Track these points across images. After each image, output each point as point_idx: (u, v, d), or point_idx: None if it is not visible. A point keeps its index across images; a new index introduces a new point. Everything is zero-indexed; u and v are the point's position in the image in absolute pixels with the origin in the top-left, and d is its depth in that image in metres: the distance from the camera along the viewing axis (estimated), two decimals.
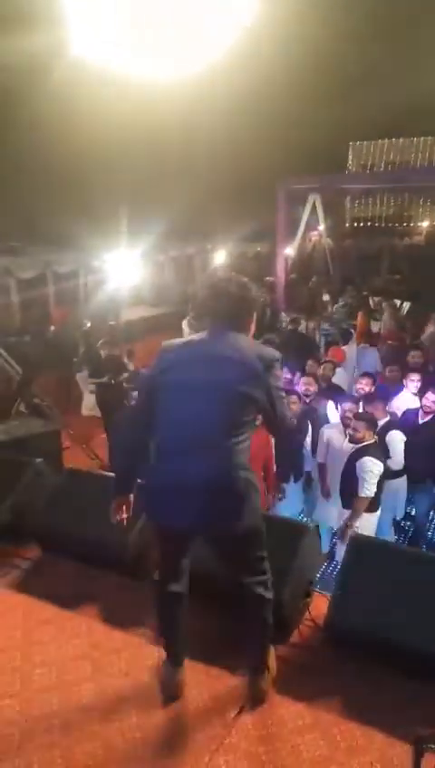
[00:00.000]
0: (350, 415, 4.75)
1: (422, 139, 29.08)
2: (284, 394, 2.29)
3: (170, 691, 2.41)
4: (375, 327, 10.71)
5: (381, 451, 4.36)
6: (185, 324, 11.51)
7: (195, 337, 2.35)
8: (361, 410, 5.10)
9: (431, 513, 5.95)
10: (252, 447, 4.69)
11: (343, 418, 4.92)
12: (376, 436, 4.40)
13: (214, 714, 2.37)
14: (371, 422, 4.36)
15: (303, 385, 5.93)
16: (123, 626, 2.78)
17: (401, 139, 29.36)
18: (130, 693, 2.44)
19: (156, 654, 2.62)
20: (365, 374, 6.34)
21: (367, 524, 4.22)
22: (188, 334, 10.98)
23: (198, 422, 2.13)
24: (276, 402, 2.22)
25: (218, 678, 2.51)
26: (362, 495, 4.17)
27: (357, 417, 4.46)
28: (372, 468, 4.11)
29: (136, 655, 2.62)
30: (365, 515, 4.23)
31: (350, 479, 4.25)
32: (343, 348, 8.35)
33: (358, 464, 4.19)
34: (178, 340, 2.38)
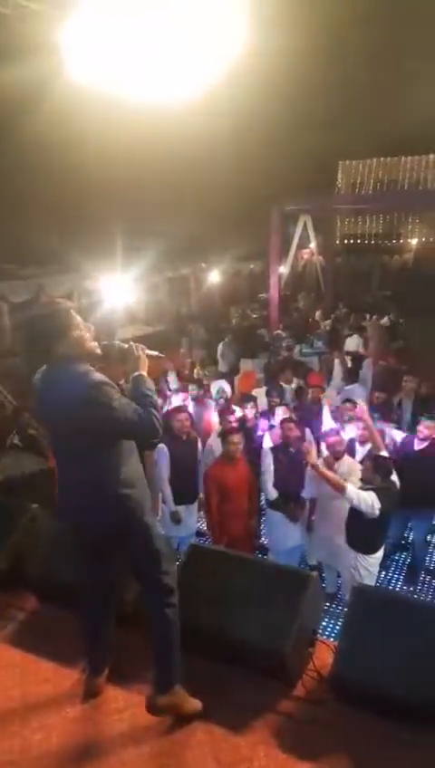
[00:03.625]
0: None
1: (409, 158, 29.39)
2: (121, 401, 2.27)
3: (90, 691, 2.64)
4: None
5: (390, 496, 4.24)
6: (220, 347, 11.15)
7: (36, 379, 2.40)
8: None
9: (429, 539, 5.96)
10: (235, 481, 4.73)
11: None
12: (385, 481, 4.29)
13: None
14: (378, 465, 4.28)
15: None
16: (125, 683, 2.71)
17: (388, 159, 29.64)
18: (132, 757, 2.38)
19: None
20: (348, 400, 6.39)
21: (369, 566, 4.18)
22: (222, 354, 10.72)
23: (69, 462, 2.41)
24: (119, 416, 2.23)
25: (224, 739, 2.45)
26: (347, 491, 4.09)
27: (370, 458, 4.45)
28: (371, 503, 4.04)
29: (137, 714, 2.56)
30: (368, 557, 4.18)
31: (356, 518, 4.19)
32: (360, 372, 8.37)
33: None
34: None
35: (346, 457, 5.00)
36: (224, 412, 5.96)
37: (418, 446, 5.43)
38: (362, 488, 4.15)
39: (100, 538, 2.48)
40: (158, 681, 2.45)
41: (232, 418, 5.81)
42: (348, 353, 9.08)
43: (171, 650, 2.46)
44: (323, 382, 8.09)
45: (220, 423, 5.80)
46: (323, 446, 5.21)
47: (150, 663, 2.48)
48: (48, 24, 5.35)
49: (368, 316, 14.18)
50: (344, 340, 11.10)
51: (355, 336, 10.62)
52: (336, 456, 4.93)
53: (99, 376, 2.28)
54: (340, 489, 4.12)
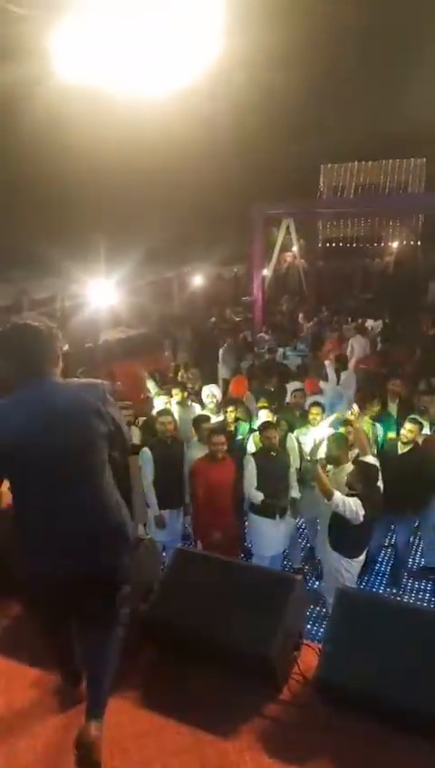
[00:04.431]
0: None
1: (390, 161, 29.82)
2: (121, 414, 2.27)
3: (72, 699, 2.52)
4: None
5: (374, 503, 4.28)
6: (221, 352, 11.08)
7: (21, 396, 2.11)
8: None
9: (410, 541, 6.03)
10: (219, 480, 4.72)
11: None
12: (369, 487, 4.31)
13: None
14: (363, 471, 4.31)
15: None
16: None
17: (369, 162, 30.03)
18: (118, 764, 2.37)
19: (143, 718, 2.57)
20: (315, 403, 6.35)
21: (350, 569, 4.21)
22: (223, 360, 10.54)
23: (65, 493, 2.09)
24: (122, 427, 2.23)
25: (211, 745, 2.45)
26: (334, 498, 4.10)
27: (356, 464, 4.47)
28: (356, 510, 4.07)
29: (122, 721, 2.55)
30: (351, 561, 4.22)
31: (339, 522, 4.22)
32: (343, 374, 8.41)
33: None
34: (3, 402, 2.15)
35: (347, 465, 5.02)
36: (199, 420, 5.85)
37: (401, 449, 5.47)
38: (347, 494, 4.18)
39: (85, 580, 2.24)
40: (97, 706, 2.26)
41: (206, 426, 5.71)
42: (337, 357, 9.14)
43: (113, 672, 2.34)
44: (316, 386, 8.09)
45: (195, 431, 5.74)
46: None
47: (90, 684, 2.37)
48: (36, 27, 5.34)
49: (349, 319, 14.32)
50: (325, 342, 11.20)
51: (359, 336, 10.72)
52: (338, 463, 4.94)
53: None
54: (327, 495, 4.15)
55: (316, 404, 6.16)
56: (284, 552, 5.54)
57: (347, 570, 4.30)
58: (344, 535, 4.29)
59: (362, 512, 4.07)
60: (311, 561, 5.86)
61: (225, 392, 7.98)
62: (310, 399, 7.29)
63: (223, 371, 10.38)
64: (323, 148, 23.41)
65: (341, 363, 8.63)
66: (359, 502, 4.11)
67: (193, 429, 5.82)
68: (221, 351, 10.74)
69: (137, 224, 13.52)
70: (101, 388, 2.19)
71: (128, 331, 16.28)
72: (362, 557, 4.45)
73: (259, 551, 5.30)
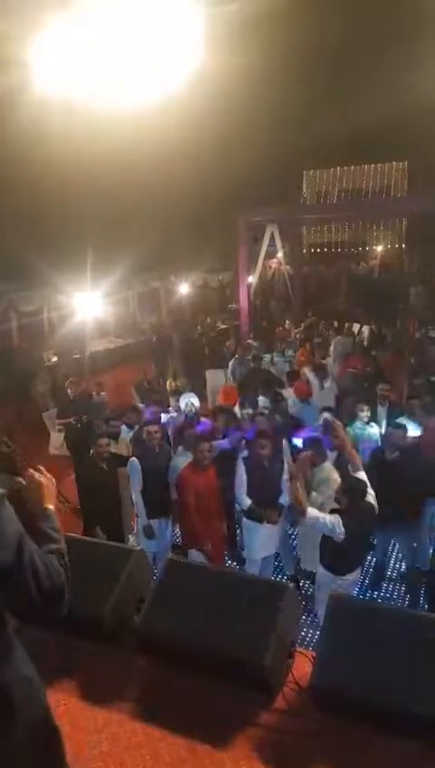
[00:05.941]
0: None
1: (372, 165, 30.16)
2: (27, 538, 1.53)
3: None
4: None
5: (360, 520, 4.11)
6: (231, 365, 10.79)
7: None
8: None
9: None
10: (204, 486, 4.58)
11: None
12: (356, 502, 4.13)
13: None
14: (348, 487, 4.17)
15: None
16: (103, 701, 2.70)
17: (352, 167, 30.35)
18: None
19: (139, 730, 2.56)
20: (326, 408, 6.34)
21: (346, 587, 4.14)
22: (233, 372, 10.17)
23: None
24: (25, 558, 1.49)
25: (208, 755, 2.45)
26: (307, 516, 4.00)
27: (343, 480, 4.37)
28: (332, 527, 3.95)
29: (117, 734, 2.54)
30: (340, 578, 4.16)
31: (326, 538, 4.11)
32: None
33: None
34: None
35: (326, 464, 4.99)
36: (184, 427, 5.79)
37: (389, 456, 5.36)
38: (333, 509, 4.06)
39: None
40: None
41: (193, 431, 5.63)
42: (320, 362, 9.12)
43: None
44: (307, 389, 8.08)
45: (178, 440, 5.67)
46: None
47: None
48: (13, 41, 5.36)
49: (335, 323, 14.40)
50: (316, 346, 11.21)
51: (340, 337, 10.88)
52: (314, 462, 4.91)
53: None
54: (301, 512, 4.06)
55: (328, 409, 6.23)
56: (277, 558, 5.54)
57: (339, 587, 4.17)
58: (333, 552, 4.13)
59: (340, 528, 3.91)
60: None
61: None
62: (299, 406, 7.30)
63: (232, 383, 10.09)
64: (306, 154, 23.63)
65: (320, 372, 8.51)
66: (337, 518, 3.95)
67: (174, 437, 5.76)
68: (231, 363, 10.50)
69: (123, 235, 13.54)
70: None
71: (115, 342, 16.27)
72: (355, 575, 4.33)
73: (250, 553, 5.29)
